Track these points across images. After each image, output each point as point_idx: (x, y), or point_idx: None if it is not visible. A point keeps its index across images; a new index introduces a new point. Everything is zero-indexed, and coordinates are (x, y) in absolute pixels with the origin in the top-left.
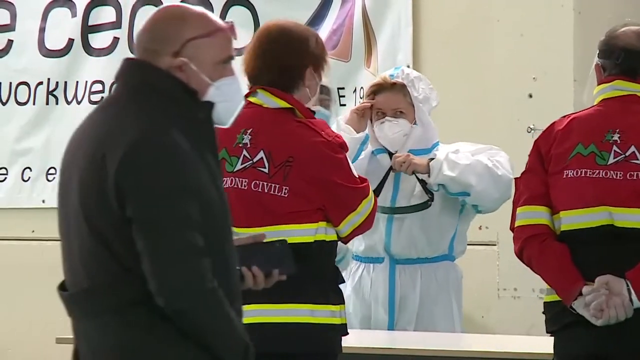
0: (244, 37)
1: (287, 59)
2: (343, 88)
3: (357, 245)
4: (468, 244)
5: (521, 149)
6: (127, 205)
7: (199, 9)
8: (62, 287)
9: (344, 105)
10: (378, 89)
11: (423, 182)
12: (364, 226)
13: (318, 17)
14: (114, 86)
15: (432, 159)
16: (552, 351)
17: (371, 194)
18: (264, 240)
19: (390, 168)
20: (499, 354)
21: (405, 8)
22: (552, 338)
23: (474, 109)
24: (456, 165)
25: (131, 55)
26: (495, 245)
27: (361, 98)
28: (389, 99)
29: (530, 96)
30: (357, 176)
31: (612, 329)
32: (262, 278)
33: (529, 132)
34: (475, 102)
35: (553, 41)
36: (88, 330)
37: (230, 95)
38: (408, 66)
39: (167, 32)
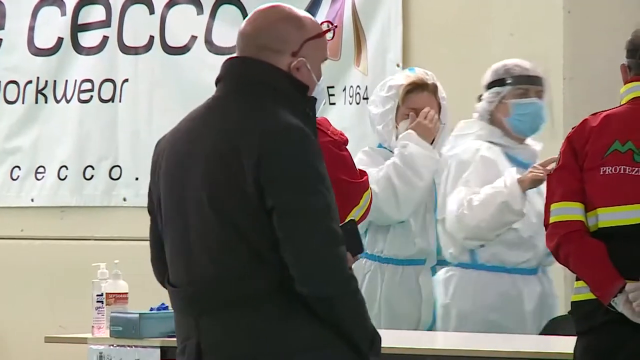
0: (233, 36)
1: None
2: (333, 87)
3: (402, 249)
4: None
5: None
6: (268, 195)
7: (301, 10)
8: (169, 284)
9: (334, 104)
10: (412, 89)
11: None
12: (362, 219)
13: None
14: (221, 83)
15: None
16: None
17: (369, 187)
18: None
19: None
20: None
21: (395, 7)
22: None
23: (463, 107)
24: None
25: (121, 54)
26: None
27: (351, 97)
28: (424, 99)
29: None
30: (358, 170)
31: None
32: None
33: None
34: (464, 101)
35: (543, 40)
36: (216, 324)
37: (323, 94)
38: (398, 65)
39: (287, 32)
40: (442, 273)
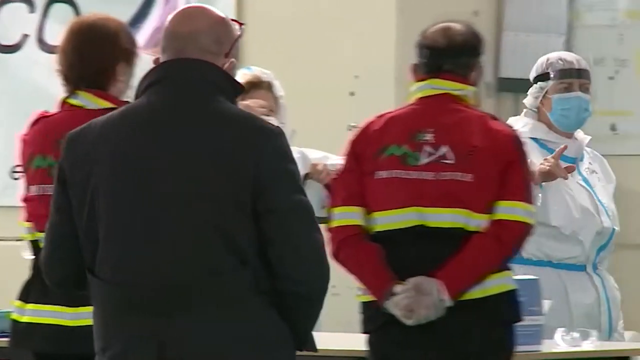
0: None
1: (100, 56)
2: None
3: None
4: None
5: (341, 147)
6: (267, 196)
7: None
8: (108, 283)
9: None
10: (249, 88)
11: None
12: None
13: (141, 14)
14: (162, 84)
15: None
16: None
17: None
18: None
19: (306, 175)
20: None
21: (229, 5)
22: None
23: (295, 106)
24: None
25: None
26: None
27: None
28: (261, 97)
29: (352, 94)
30: None
31: (423, 328)
32: None
33: (350, 130)
34: (296, 99)
35: (375, 40)
36: (190, 324)
37: None
38: None
39: (222, 33)
40: None
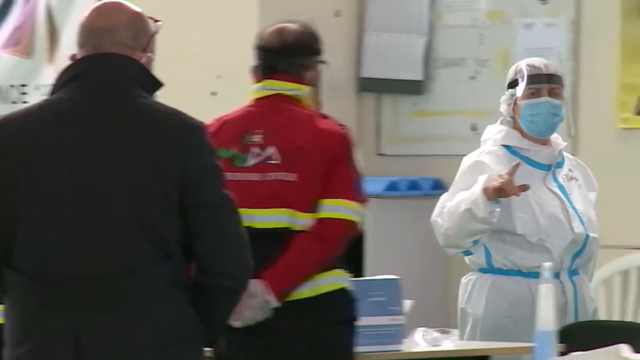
0: None
1: None
2: (25, 85)
3: None
4: None
5: None
6: (195, 191)
7: None
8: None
9: (26, 102)
10: None
11: None
12: None
13: (1, 14)
14: (81, 80)
15: None
16: None
17: None
18: None
19: None
20: None
21: (89, 4)
22: None
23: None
24: None
25: None
26: None
27: (43, 95)
28: None
29: (214, 94)
30: None
31: (252, 329)
32: None
33: None
34: (158, 98)
35: (238, 39)
36: (106, 321)
37: None
38: None
39: (139, 28)
40: (463, 278)
